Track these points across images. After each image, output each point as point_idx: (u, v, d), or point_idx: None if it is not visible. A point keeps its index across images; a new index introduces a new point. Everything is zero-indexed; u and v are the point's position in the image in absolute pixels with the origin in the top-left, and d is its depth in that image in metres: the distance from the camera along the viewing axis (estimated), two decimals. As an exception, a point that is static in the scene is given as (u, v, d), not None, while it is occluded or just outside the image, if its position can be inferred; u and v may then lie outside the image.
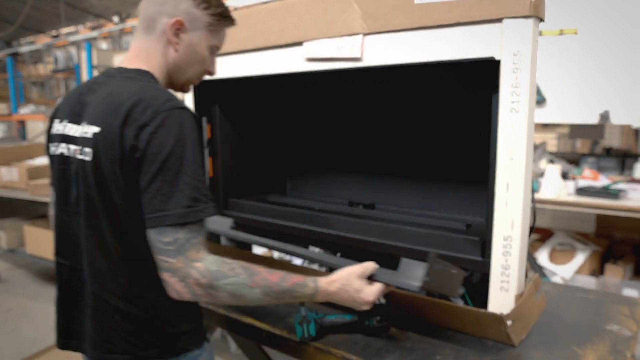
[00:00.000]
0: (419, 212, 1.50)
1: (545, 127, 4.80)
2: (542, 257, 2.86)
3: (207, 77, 1.16)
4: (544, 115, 2.77)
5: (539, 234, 3.12)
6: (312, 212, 1.47)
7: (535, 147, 3.00)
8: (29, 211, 4.34)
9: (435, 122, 1.51)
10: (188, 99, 1.57)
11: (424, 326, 1.16)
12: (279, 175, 1.89)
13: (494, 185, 1.05)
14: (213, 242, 1.64)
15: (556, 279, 2.72)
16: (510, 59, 0.99)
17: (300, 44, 1.29)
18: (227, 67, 1.46)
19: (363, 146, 1.68)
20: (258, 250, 1.63)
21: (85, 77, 5.14)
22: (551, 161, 2.90)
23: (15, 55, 5.75)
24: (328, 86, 1.64)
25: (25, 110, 6.12)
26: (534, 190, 2.60)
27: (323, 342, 1.09)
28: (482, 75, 1.05)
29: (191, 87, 1.19)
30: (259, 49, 1.37)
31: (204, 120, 1.60)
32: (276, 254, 1.56)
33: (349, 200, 1.63)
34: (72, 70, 5.98)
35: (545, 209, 2.81)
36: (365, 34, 1.17)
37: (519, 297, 1.06)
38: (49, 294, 4.14)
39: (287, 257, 1.55)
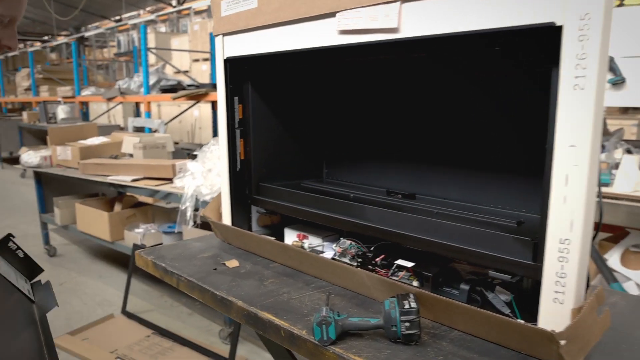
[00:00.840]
0: (465, 204, 1.34)
1: (624, 112, 4.33)
2: (613, 259, 2.55)
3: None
4: (622, 98, 2.45)
5: (609, 233, 2.80)
6: (346, 201, 1.36)
7: (610, 134, 2.67)
8: (82, 189, 4.59)
9: (486, 102, 1.32)
10: (219, 77, 1.49)
11: (460, 336, 1.02)
12: (315, 160, 1.78)
13: (550, 178, 0.88)
14: (244, 229, 1.57)
15: (629, 285, 2.42)
16: (575, 24, 0.81)
17: (333, 14, 1.16)
18: (258, 43, 1.36)
19: (405, 130, 1.52)
20: (289, 239, 1.54)
21: (141, 60, 5.31)
22: (628, 151, 2.57)
23: (81, 40, 6.03)
24: (366, 63, 1.50)
25: (86, 93, 6.47)
26: (606, 183, 2.32)
27: (343, 347, 0.98)
28: (540, 46, 0.88)
29: None
30: (290, 22, 1.26)
31: (236, 100, 1.52)
32: (307, 244, 1.46)
33: (387, 189, 1.49)
34: (131, 53, 6.19)
35: (619, 205, 2.50)
36: (403, 1, 1.02)
37: (576, 311, 0.89)
38: (98, 270, 4.37)
39: (319, 248, 1.44)
